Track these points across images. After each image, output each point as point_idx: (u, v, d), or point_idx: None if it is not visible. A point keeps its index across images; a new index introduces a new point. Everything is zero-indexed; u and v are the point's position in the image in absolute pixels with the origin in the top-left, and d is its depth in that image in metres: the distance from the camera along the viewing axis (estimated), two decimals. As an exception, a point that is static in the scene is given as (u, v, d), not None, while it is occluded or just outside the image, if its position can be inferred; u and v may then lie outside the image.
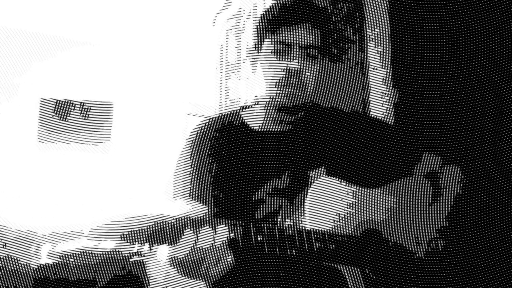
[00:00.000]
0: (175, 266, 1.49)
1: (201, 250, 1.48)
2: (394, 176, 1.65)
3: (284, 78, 1.59)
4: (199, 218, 1.49)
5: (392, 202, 1.63)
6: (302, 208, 1.58)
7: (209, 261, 1.48)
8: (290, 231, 1.52)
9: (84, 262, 1.52)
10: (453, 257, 1.63)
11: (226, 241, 1.49)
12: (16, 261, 1.45)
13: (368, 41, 1.94)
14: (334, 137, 1.66)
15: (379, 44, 1.87)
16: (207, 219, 1.50)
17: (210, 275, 1.48)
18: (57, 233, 1.45)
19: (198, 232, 1.48)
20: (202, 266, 1.48)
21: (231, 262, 1.49)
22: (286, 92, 1.60)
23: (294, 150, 1.65)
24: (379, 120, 1.76)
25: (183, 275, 1.50)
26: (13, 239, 1.43)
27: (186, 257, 1.48)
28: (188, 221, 1.48)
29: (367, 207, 1.61)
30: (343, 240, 1.56)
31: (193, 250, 1.47)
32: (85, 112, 1.81)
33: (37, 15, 1.80)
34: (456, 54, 1.79)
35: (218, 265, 1.48)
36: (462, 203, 1.66)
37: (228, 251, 1.49)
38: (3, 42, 1.73)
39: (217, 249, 1.48)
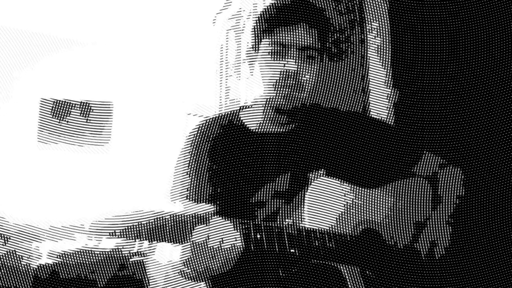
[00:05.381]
0: (188, 267, 1.46)
1: (213, 247, 1.46)
2: (393, 177, 1.66)
3: (281, 80, 1.59)
4: (206, 215, 1.47)
5: (391, 202, 1.63)
6: (301, 207, 1.58)
7: (221, 255, 1.46)
8: (290, 230, 1.52)
9: (84, 261, 1.52)
10: (453, 257, 1.63)
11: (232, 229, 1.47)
12: (16, 260, 1.45)
13: (368, 41, 1.94)
14: (334, 137, 1.66)
15: (379, 44, 1.87)
16: (207, 218, 1.49)
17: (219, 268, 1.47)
18: (57, 233, 1.45)
19: (208, 229, 1.46)
20: (214, 262, 1.46)
21: (240, 247, 1.47)
22: (284, 94, 1.60)
23: (293, 150, 1.65)
24: (379, 120, 1.76)
25: (187, 278, 1.49)
26: (12, 240, 1.43)
27: (197, 256, 1.46)
28: (196, 219, 1.46)
29: (366, 207, 1.61)
30: (342, 240, 1.56)
31: (203, 248, 1.46)
32: (85, 112, 1.82)
33: (37, 15, 1.80)
34: (456, 54, 1.79)
35: (228, 256, 1.47)
36: (462, 203, 1.66)
37: (238, 237, 1.47)
38: (3, 42, 1.73)
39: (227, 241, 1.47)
